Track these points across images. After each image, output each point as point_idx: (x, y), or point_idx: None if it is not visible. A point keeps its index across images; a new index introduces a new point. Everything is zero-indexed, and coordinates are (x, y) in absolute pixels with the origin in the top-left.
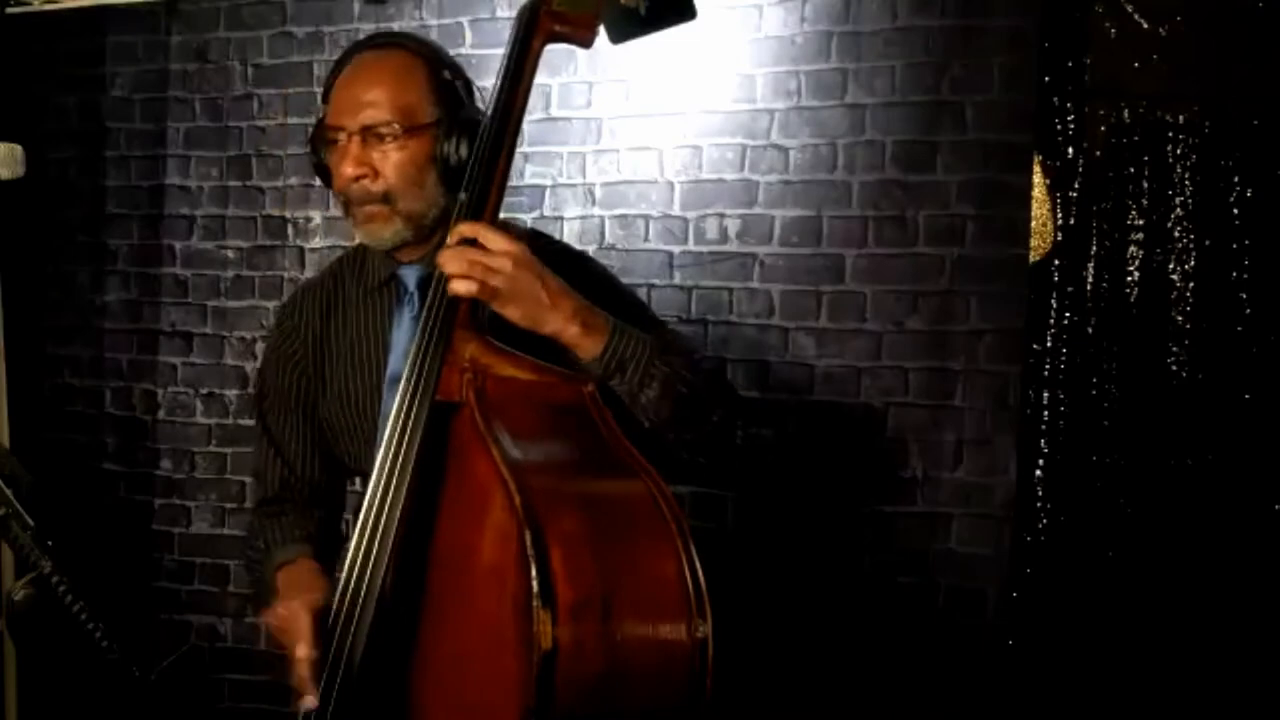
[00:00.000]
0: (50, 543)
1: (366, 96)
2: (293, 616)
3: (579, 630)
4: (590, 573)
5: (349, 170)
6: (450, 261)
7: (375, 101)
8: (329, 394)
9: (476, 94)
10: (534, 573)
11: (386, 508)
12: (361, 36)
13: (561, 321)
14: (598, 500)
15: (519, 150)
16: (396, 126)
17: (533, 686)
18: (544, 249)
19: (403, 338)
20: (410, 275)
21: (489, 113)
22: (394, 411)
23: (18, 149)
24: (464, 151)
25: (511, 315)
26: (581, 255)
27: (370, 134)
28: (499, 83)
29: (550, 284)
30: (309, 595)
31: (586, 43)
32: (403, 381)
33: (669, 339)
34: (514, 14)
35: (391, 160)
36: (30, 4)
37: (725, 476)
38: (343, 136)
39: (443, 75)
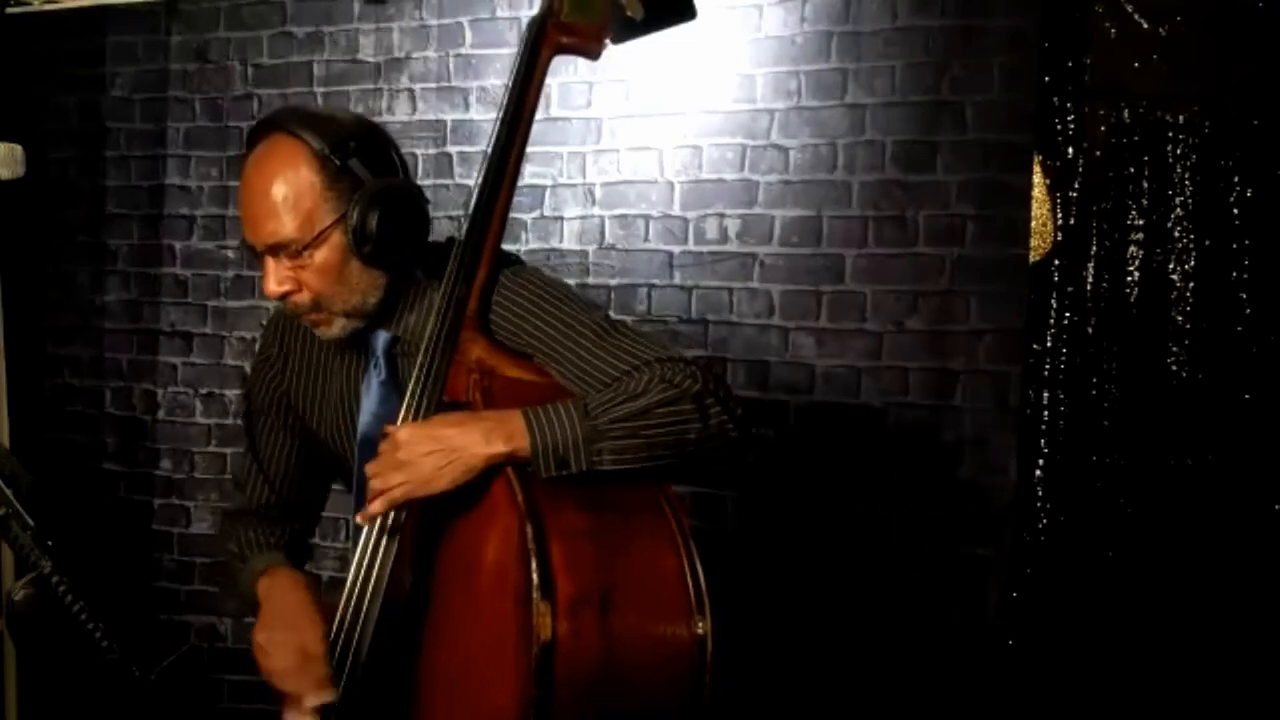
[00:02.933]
0: (50, 543)
1: (260, 215)
2: (300, 663)
3: (578, 623)
4: (590, 567)
5: (272, 288)
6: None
7: (269, 218)
8: (316, 429)
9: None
10: (534, 565)
11: (393, 510)
12: (360, 34)
13: (482, 446)
14: (600, 498)
15: None
16: (298, 241)
17: (532, 678)
18: (504, 288)
19: (371, 402)
20: (379, 340)
21: (497, 120)
22: (401, 413)
23: (18, 149)
24: (374, 228)
25: (448, 486)
26: (539, 292)
27: (279, 250)
28: (507, 92)
29: (445, 430)
30: (311, 640)
31: (594, 54)
32: (411, 383)
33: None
34: (513, 14)
35: (308, 271)
36: (30, 4)
37: (725, 476)
38: (259, 253)
39: (333, 163)
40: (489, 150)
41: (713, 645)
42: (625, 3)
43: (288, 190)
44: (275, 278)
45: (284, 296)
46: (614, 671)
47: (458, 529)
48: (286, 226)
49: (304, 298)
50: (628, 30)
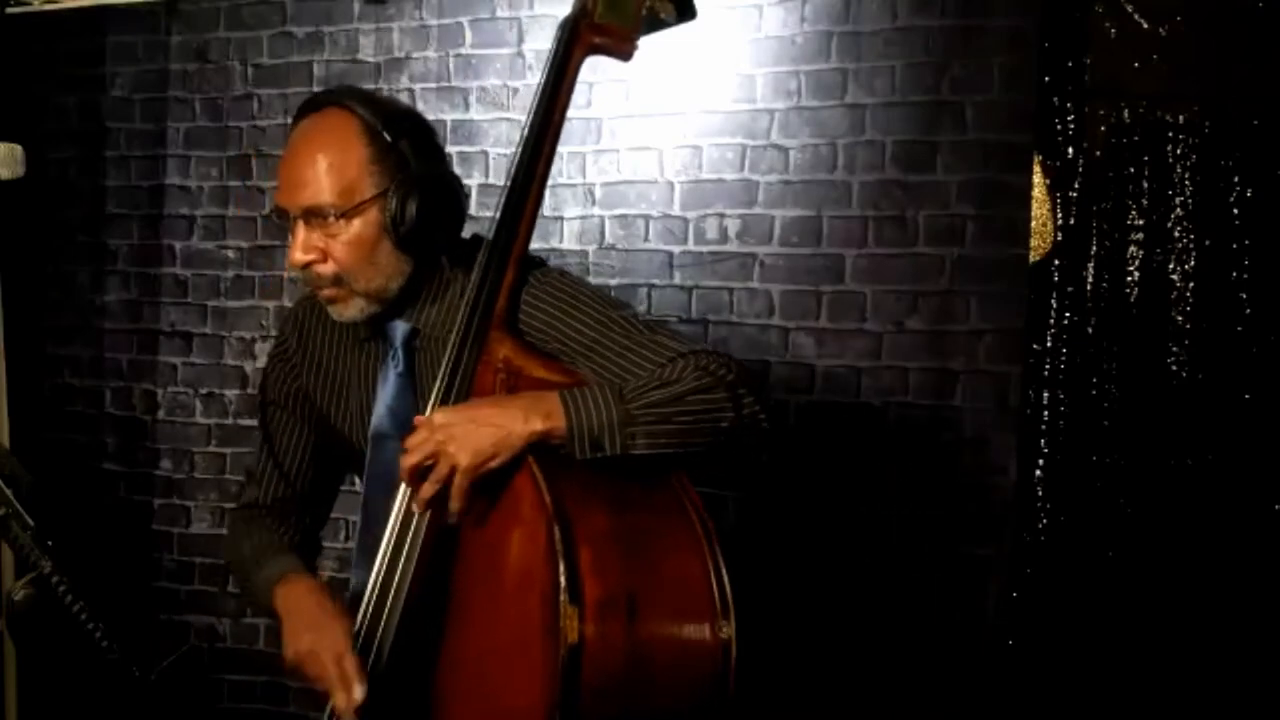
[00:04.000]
0: (50, 543)
1: (303, 176)
2: (333, 664)
3: (605, 626)
4: (617, 570)
5: (297, 256)
6: (419, 499)
7: (311, 181)
8: (333, 422)
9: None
10: (562, 568)
11: (415, 509)
12: (360, 34)
13: (522, 424)
14: (626, 501)
15: None
16: (336, 208)
17: (558, 681)
18: (533, 288)
19: (387, 394)
20: (397, 331)
21: (528, 121)
22: (429, 410)
23: (18, 149)
24: (413, 213)
25: (491, 463)
26: (569, 292)
27: (313, 216)
28: (538, 92)
29: (484, 410)
30: (338, 638)
31: (627, 55)
32: (438, 381)
33: (651, 372)
34: (513, 14)
35: (338, 242)
36: (30, 4)
37: (726, 476)
38: (289, 219)
39: (383, 138)
40: (519, 151)
41: (737, 648)
42: (658, 5)
43: (333, 156)
44: (303, 246)
45: (307, 266)
46: (639, 674)
47: (481, 527)
48: (326, 192)
49: (328, 269)
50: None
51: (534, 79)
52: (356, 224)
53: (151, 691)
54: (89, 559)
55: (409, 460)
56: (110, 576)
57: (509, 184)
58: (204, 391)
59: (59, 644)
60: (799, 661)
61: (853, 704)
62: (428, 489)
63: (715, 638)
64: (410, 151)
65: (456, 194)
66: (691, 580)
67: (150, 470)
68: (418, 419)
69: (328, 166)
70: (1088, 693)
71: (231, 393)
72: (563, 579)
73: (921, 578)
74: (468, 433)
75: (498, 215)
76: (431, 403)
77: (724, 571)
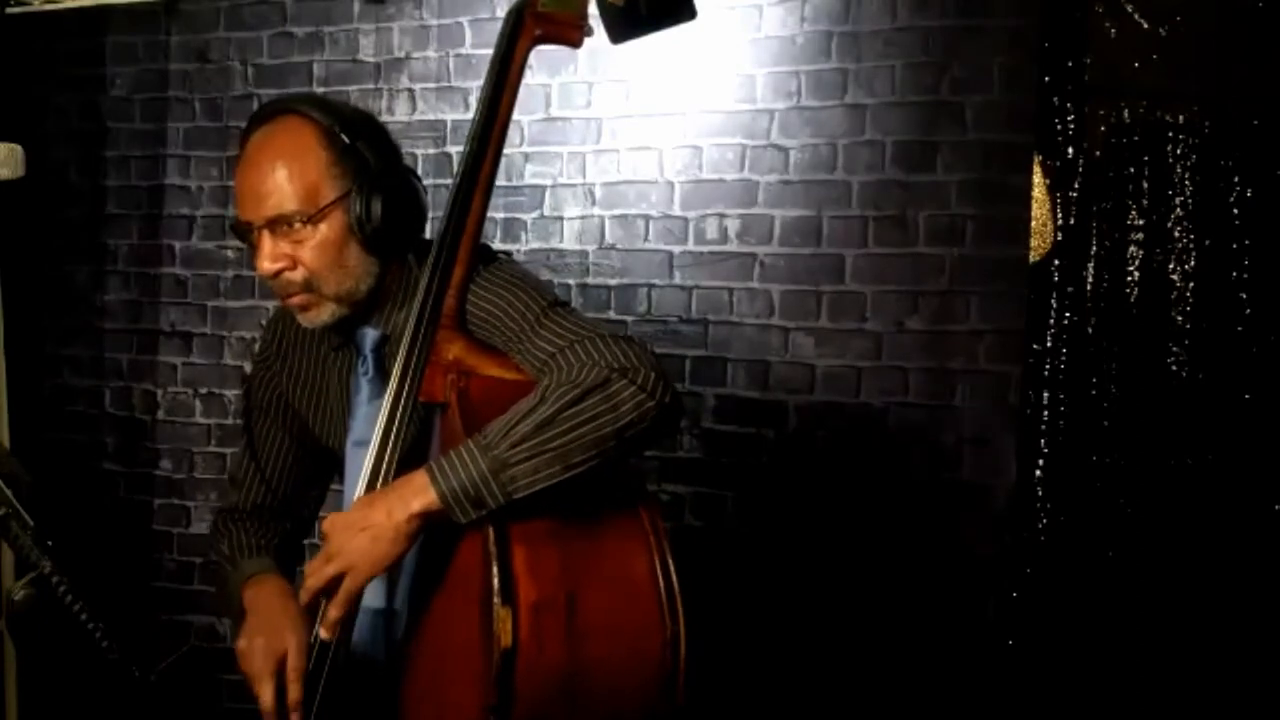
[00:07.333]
0: (50, 543)
1: (264, 187)
2: (267, 671)
3: (540, 627)
4: (554, 571)
5: (266, 266)
6: (327, 622)
7: (273, 191)
8: (313, 429)
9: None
10: (495, 570)
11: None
12: (360, 34)
13: (395, 515)
14: (569, 498)
15: (519, 150)
16: (301, 214)
17: (493, 685)
18: (478, 281)
19: (362, 402)
20: (367, 338)
21: (475, 117)
22: (382, 418)
23: (18, 149)
24: (378, 212)
25: (375, 570)
26: (504, 282)
27: (278, 225)
28: (485, 86)
29: (354, 515)
30: (290, 648)
31: (575, 43)
32: (390, 387)
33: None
34: None
35: (306, 247)
36: (30, 4)
37: (726, 476)
38: (253, 231)
39: (340, 140)
40: (466, 146)
41: (686, 647)
42: None
43: (293, 163)
44: (270, 255)
45: (276, 275)
46: (580, 675)
47: (434, 535)
48: (290, 199)
49: (298, 275)
50: (628, 28)
51: (533, 79)
52: (323, 228)
53: (151, 691)
54: (89, 559)
55: (311, 584)
56: (110, 576)
57: (456, 180)
58: (204, 391)
59: (59, 644)
60: (799, 660)
61: (852, 704)
62: (333, 611)
63: (662, 636)
64: (369, 151)
65: (417, 191)
66: (636, 578)
67: (150, 470)
68: (326, 524)
69: (288, 174)
70: (1088, 693)
71: (231, 393)
72: (495, 581)
73: (921, 578)
74: (348, 540)
75: (445, 213)
76: (384, 409)
77: (671, 568)
